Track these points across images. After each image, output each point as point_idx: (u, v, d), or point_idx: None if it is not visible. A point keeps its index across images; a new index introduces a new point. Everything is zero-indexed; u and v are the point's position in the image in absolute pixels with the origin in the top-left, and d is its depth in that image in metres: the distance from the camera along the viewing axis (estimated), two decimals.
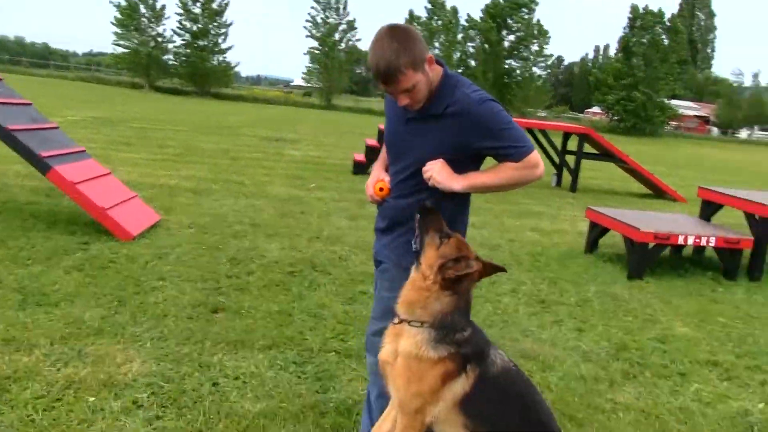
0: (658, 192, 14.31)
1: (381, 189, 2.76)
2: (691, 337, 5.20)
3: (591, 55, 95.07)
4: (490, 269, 2.48)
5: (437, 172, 2.55)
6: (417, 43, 2.48)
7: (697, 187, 8.41)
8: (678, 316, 5.72)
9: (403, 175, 2.72)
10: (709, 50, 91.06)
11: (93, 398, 3.31)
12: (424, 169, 2.58)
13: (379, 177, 2.84)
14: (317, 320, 4.69)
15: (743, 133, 69.91)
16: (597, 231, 7.72)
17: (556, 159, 14.27)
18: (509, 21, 55.11)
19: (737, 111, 69.81)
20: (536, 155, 2.57)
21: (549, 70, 63.66)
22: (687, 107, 70.20)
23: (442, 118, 2.58)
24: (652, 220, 7.40)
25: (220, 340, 4.15)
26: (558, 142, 14.38)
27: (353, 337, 4.44)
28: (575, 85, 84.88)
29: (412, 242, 2.50)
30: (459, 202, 2.72)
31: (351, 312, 4.91)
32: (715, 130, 69.74)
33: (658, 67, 52.53)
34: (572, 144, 14.24)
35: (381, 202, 2.80)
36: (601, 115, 60.00)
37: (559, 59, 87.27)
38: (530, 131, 14.71)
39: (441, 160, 2.57)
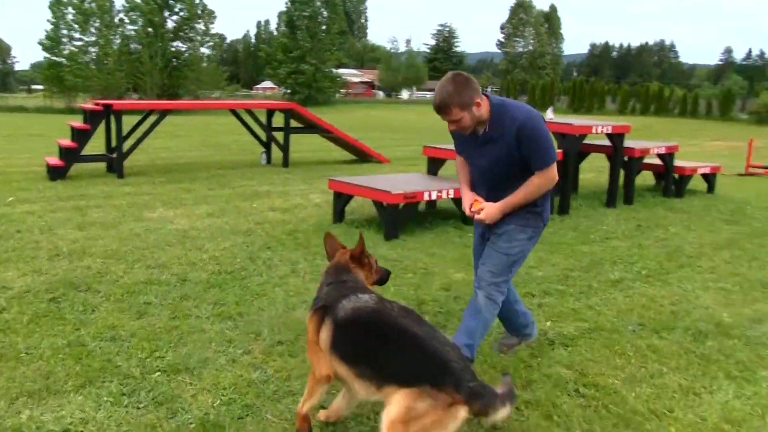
0: (363, 156, 15.12)
1: (477, 202, 3.84)
2: (469, 280, 5.67)
3: (253, 32, 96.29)
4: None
5: (485, 216, 3.76)
6: (468, 90, 3.48)
7: (423, 147, 9.08)
8: (448, 264, 6.20)
9: (488, 179, 3.84)
10: (363, 20, 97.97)
11: None
12: (482, 215, 3.77)
13: (473, 198, 3.90)
14: (118, 343, 4.21)
15: (405, 94, 76.95)
16: (342, 200, 7.96)
17: (263, 137, 14.30)
18: (171, 2, 53.43)
19: (397, 74, 76.41)
20: (554, 167, 3.65)
21: (215, 50, 63.23)
22: (352, 75, 74.97)
23: (501, 138, 3.60)
24: (396, 183, 7.84)
25: (16, 394, 3.51)
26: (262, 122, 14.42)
27: (168, 350, 4.10)
28: (241, 63, 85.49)
29: None
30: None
31: (148, 326, 4.50)
32: (380, 94, 75.64)
33: (323, 39, 55.10)
34: (277, 120, 14.37)
35: (478, 213, 3.79)
36: (274, 90, 61.33)
37: (221, 38, 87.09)
38: (234, 113, 14.59)
39: (491, 205, 3.75)
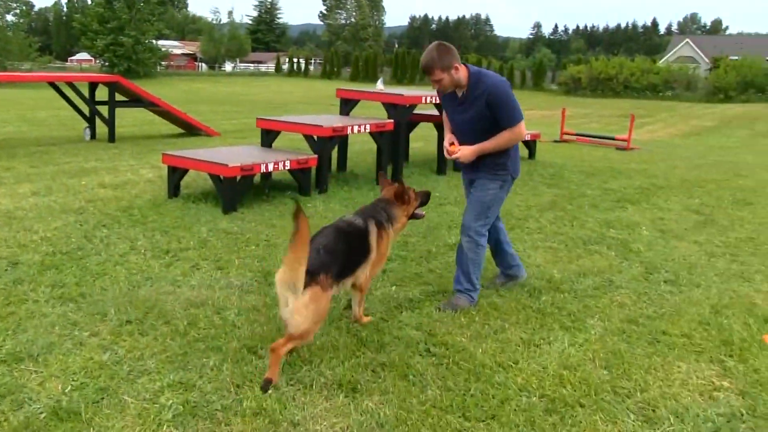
0: (191, 130, 14.65)
1: (452, 144, 4.55)
2: None
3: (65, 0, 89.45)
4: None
5: (461, 155, 4.48)
6: (449, 56, 4.28)
7: (256, 119, 8.95)
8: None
9: (464, 133, 4.55)
10: None
11: None
12: (456, 152, 4.49)
13: (450, 139, 4.61)
14: None
15: (228, 67, 74.99)
16: (177, 175, 7.70)
17: (86, 112, 13.45)
18: None
19: (219, 47, 74.16)
20: (522, 125, 4.43)
21: (23, 18, 58.16)
22: (174, 46, 71.92)
23: (475, 99, 4.37)
24: (231, 155, 7.68)
25: None
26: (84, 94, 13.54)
27: (6, 339, 3.82)
28: (53, 33, 79.29)
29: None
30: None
31: None
32: (204, 66, 73.15)
33: (142, 9, 52.33)
34: (100, 94, 13.56)
35: (453, 154, 4.49)
36: (91, 62, 57.61)
37: (29, 5, 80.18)
38: (54, 86, 13.57)
39: (465, 147, 4.47)
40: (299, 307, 3.32)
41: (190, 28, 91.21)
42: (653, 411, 3.34)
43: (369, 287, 4.33)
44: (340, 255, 3.70)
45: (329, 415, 3.17)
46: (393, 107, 9.13)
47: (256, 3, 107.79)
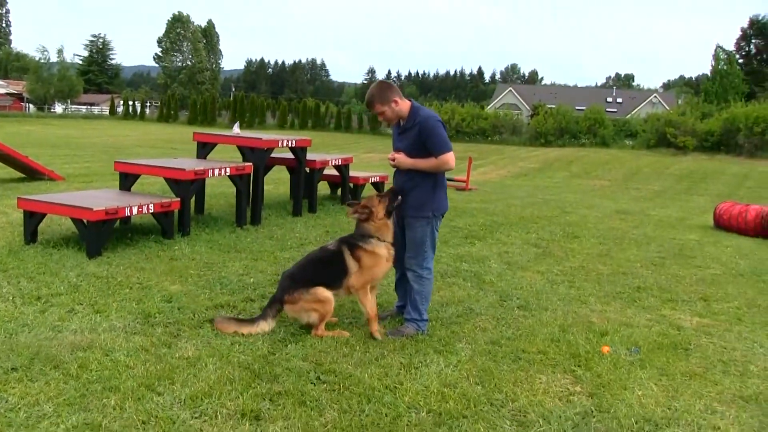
0: (31, 174, 13.95)
1: (395, 153, 5.20)
2: (188, 291, 5.86)
3: None
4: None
5: (399, 162, 5.15)
6: (388, 92, 5.03)
7: (114, 162, 8.83)
8: (160, 277, 6.26)
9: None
10: (3, 25, 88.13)
11: None
12: (395, 159, 5.17)
13: (392, 154, 5.24)
14: None
15: (59, 108, 71.08)
16: (35, 220, 7.46)
17: None
18: None
19: (49, 87, 70.16)
20: (449, 155, 5.00)
21: None
22: None
23: (411, 129, 5.08)
24: (93, 199, 7.57)
25: None
26: None
27: None
28: None
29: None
30: (425, 175, 5.13)
31: None
32: (31, 107, 68.85)
33: None
34: None
35: (394, 160, 5.19)
36: None
37: None
38: None
39: (403, 155, 5.11)
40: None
41: (14, 66, 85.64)
42: (524, 416, 3.84)
43: (366, 288, 5.09)
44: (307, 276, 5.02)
45: None
46: (251, 151, 9.36)
47: (87, 42, 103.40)
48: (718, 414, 4.07)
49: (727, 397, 4.36)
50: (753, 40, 63.77)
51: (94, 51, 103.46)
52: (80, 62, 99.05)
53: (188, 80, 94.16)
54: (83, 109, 73.43)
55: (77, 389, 3.81)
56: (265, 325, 4.92)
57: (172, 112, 63.31)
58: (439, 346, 4.89)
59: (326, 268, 5.06)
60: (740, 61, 59.08)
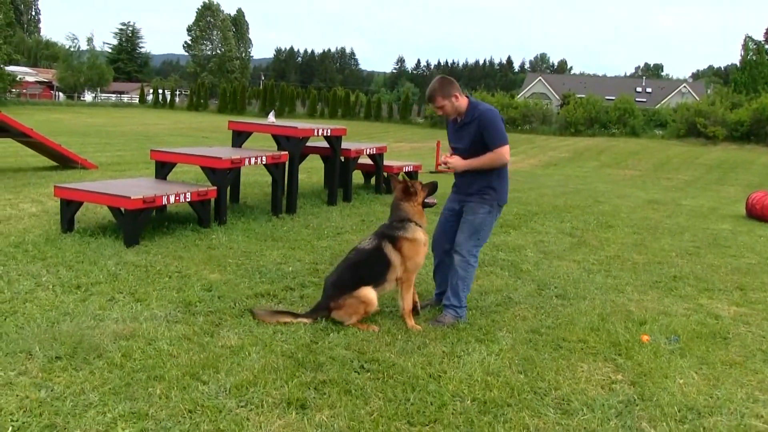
0: (65, 162, 14.12)
1: (446, 156, 5.30)
2: (227, 280, 5.89)
3: None
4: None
5: (453, 165, 5.20)
6: (449, 87, 5.06)
7: (150, 150, 8.92)
8: (199, 266, 6.30)
9: (462, 155, 5.20)
10: (33, 13, 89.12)
11: None
12: (448, 163, 5.25)
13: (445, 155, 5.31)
14: None
15: (88, 96, 71.93)
16: (72, 208, 7.56)
17: None
18: None
19: (79, 75, 70.96)
20: (505, 149, 5.07)
21: None
22: (26, 73, 68.15)
23: (470, 124, 5.11)
24: (129, 187, 7.65)
25: None
26: None
27: None
28: None
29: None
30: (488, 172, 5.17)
31: None
32: (61, 96, 69.73)
33: None
34: None
35: (446, 163, 5.26)
36: None
37: None
38: None
39: (457, 158, 5.17)
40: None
41: (44, 53, 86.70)
42: (568, 404, 3.83)
43: (413, 279, 5.16)
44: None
45: (286, 430, 3.38)
46: (287, 139, 9.38)
47: (117, 30, 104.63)
48: (760, 402, 4.04)
49: None
50: None
51: (123, 39, 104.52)
52: (109, 50, 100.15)
53: (218, 69, 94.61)
54: (113, 97, 74.18)
55: (122, 378, 3.85)
56: (306, 322, 4.92)
57: (202, 101, 63.71)
58: (480, 334, 4.88)
59: (367, 268, 5.04)
60: None
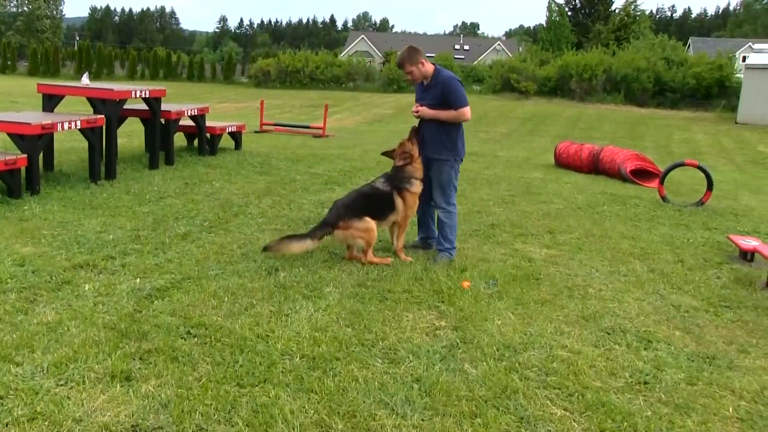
0: None
1: (417, 106, 6.05)
2: (42, 253, 5.54)
3: None
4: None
5: (422, 113, 6.03)
6: (415, 55, 5.94)
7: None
8: (9, 240, 5.86)
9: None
10: None
11: None
12: (419, 111, 6.03)
13: (416, 106, 6.10)
14: None
15: None
16: None
17: None
18: None
19: None
20: (466, 109, 5.96)
21: None
22: None
23: (434, 87, 6.00)
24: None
25: None
26: None
27: None
28: None
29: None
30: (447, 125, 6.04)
31: None
32: None
33: None
34: None
35: (418, 111, 6.05)
36: None
37: None
38: None
39: (425, 107, 5.99)
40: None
41: None
42: (395, 353, 4.01)
43: (407, 222, 6.14)
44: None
45: (110, 405, 3.26)
46: (102, 102, 8.85)
47: None
48: (565, 334, 4.49)
49: (572, 318, 4.81)
50: None
51: None
52: None
53: (26, 28, 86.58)
54: None
55: None
56: (312, 244, 5.72)
57: (9, 63, 58.06)
58: (307, 291, 4.96)
59: (377, 203, 5.90)
60: (569, 13, 62.58)
